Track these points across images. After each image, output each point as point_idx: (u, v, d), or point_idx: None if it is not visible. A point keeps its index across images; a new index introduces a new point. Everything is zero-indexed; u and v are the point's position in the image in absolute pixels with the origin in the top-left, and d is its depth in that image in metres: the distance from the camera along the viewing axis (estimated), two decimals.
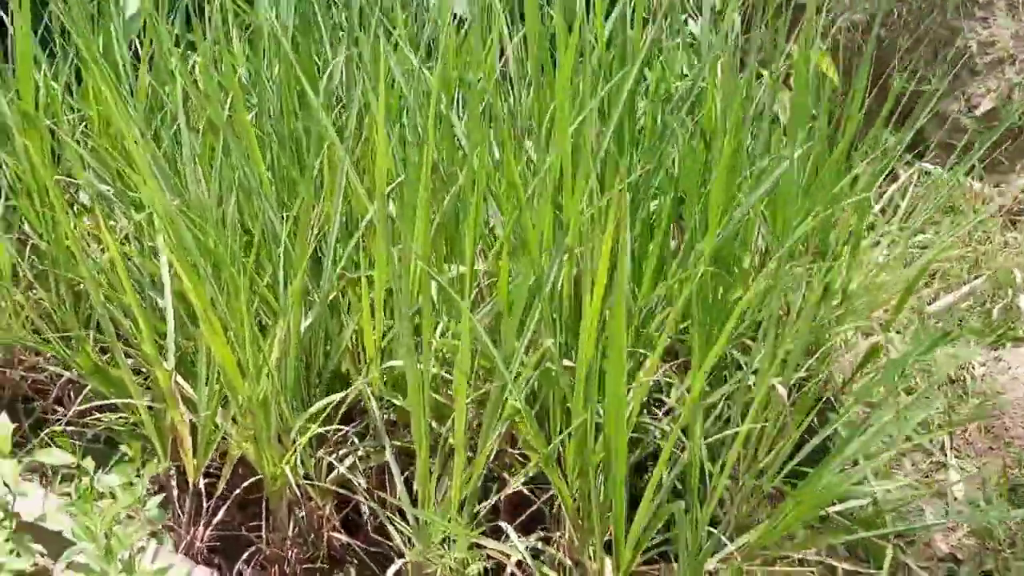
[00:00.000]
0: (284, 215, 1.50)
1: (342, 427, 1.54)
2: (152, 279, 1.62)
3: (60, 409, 1.84)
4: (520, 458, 1.52)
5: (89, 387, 1.69)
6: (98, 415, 1.72)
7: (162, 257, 1.54)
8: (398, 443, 1.52)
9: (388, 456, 1.45)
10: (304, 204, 1.38)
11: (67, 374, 1.78)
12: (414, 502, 1.42)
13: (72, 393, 1.83)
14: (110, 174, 1.72)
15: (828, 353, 1.59)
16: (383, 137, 1.30)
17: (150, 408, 1.56)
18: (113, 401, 1.59)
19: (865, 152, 1.84)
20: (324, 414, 1.48)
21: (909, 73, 2.66)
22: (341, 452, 1.56)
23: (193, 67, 1.89)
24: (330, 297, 1.50)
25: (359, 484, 1.53)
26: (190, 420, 1.50)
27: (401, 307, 1.33)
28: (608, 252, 1.16)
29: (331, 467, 1.55)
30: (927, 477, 1.98)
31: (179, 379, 1.52)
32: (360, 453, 1.57)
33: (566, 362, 1.39)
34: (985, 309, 2.27)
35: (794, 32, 1.77)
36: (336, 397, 1.45)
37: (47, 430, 1.66)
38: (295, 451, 1.43)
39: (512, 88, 1.74)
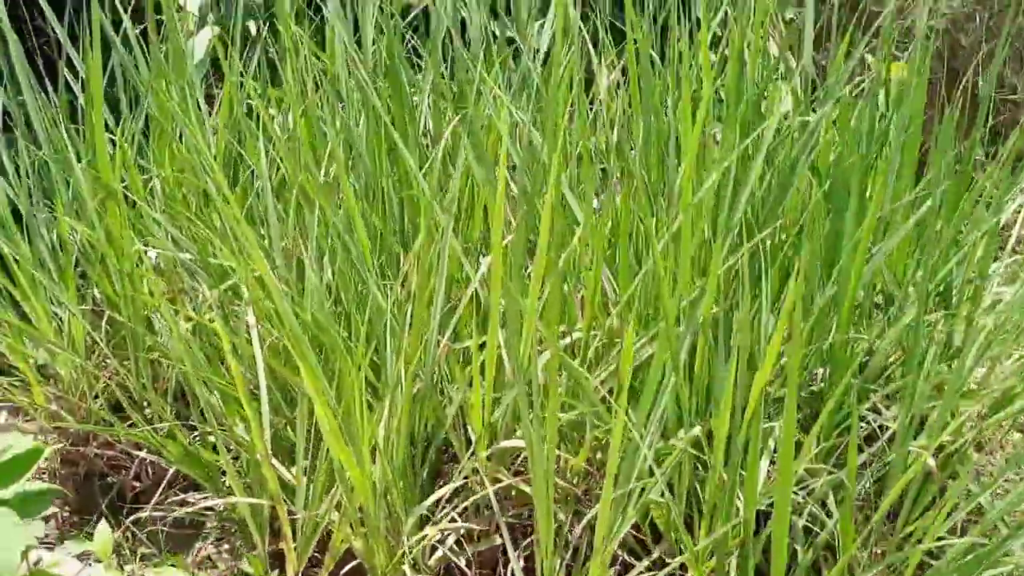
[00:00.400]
0: (385, 285, 1.40)
1: (447, 507, 1.44)
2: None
3: (138, 484, 1.75)
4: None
5: (173, 469, 1.60)
6: (182, 495, 1.64)
7: (253, 332, 1.44)
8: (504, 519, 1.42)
9: (507, 544, 1.34)
10: (418, 288, 1.27)
11: (143, 454, 1.69)
12: None
13: (150, 469, 1.75)
14: (188, 239, 1.62)
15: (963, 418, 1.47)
16: (499, 230, 1.19)
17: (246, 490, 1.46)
18: (209, 497, 1.50)
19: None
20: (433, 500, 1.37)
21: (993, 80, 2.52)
22: (444, 531, 1.46)
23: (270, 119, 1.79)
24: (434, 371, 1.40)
25: (464, 567, 1.43)
26: (289, 510, 1.40)
27: (522, 383, 1.22)
28: (782, 329, 1.05)
29: (434, 547, 1.45)
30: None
31: (275, 462, 1.42)
32: (463, 532, 1.47)
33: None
34: None
35: (867, 42, 1.65)
36: (450, 488, 1.35)
37: (132, 518, 1.56)
38: (411, 551, 1.32)
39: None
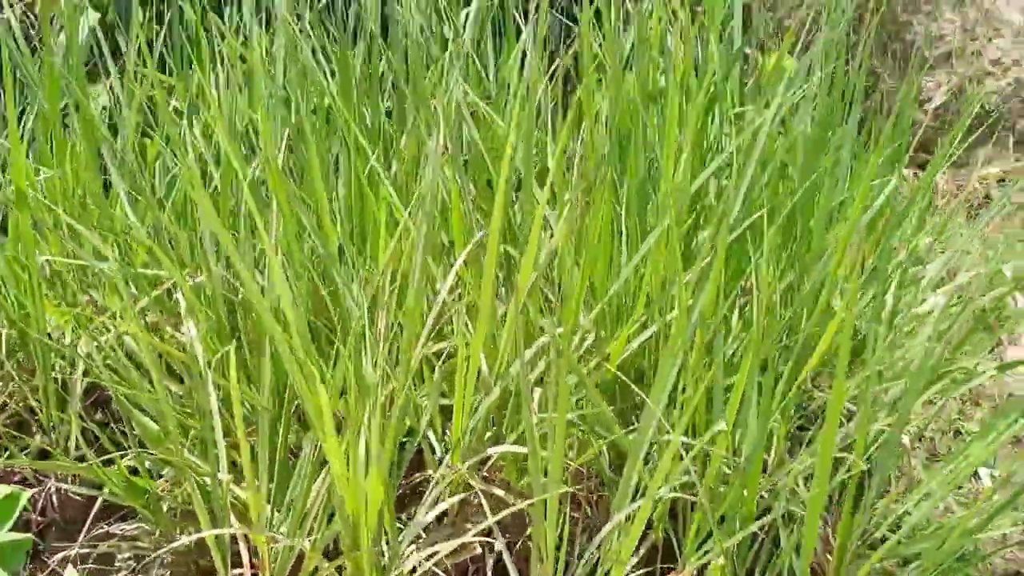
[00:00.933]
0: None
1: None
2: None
3: (42, 519, 1.57)
4: None
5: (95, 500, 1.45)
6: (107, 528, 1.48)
7: (197, 347, 1.31)
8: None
9: (507, 563, 1.26)
10: (409, 328, 1.19)
11: (52, 483, 1.52)
12: None
13: (55, 499, 1.57)
14: (102, 245, 1.46)
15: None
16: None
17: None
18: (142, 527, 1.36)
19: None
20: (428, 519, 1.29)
21: (859, 69, 2.62)
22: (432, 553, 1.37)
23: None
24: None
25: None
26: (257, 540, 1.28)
27: (525, 375, 1.16)
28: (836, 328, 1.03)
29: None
30: (960, 489, 1.94)
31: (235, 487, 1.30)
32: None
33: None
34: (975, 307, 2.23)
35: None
36: (442, 508, 1.27)
37: (59, 556, 1.39)
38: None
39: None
